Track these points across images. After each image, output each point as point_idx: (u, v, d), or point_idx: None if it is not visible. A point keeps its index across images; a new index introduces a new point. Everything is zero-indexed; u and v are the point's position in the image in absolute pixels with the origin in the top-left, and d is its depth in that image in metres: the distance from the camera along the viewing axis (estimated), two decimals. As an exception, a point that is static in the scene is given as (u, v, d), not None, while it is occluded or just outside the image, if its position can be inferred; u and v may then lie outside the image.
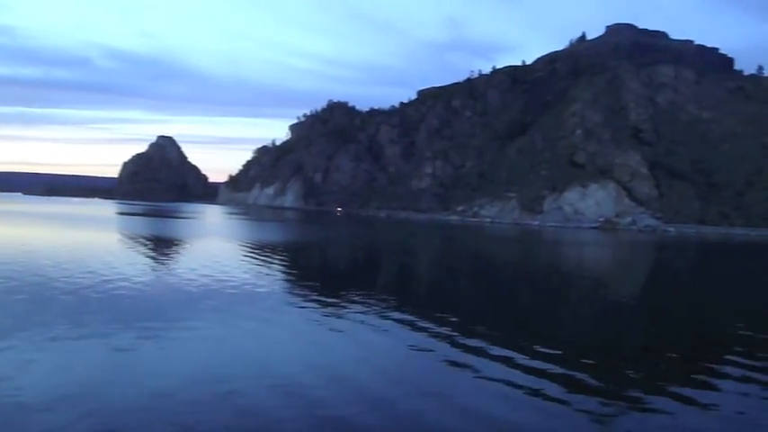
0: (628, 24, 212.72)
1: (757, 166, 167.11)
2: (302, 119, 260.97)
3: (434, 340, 16.52)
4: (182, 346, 15.60)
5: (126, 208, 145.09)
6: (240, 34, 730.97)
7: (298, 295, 23.76)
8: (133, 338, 15.83)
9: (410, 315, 19.87)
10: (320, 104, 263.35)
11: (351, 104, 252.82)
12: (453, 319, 19.35)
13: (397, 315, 19.77)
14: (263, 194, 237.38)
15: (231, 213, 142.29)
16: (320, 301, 22.47)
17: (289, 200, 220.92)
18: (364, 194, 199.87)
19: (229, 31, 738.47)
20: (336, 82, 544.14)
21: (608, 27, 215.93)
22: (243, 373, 13.11)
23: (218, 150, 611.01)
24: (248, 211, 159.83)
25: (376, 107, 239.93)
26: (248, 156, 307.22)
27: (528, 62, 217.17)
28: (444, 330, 17.62)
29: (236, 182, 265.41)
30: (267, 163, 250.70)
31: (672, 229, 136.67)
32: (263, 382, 12.49)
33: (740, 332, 19.26)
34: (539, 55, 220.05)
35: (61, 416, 10.36)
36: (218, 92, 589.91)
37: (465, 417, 10.60)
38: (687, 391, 12.14)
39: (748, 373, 13.54)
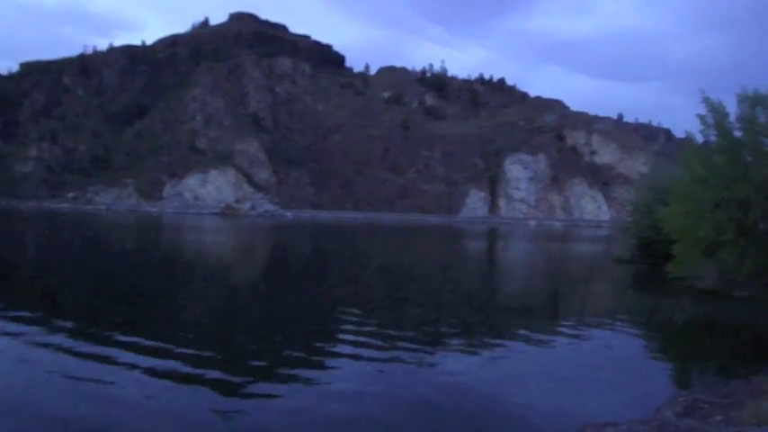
0: (250, 14, 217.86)
1: (363, 155, 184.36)
2: None
3: (35, 347, 13.22)
4: None
5: None
6: None
7: None
8: None
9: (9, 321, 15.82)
10: None
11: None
12: (58, 320, 15.97)
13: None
14: None
15: None
16: None
17: None
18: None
19: None
20: None
21: (231, 14, 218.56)
22: None
23: None
24: None
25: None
26: None
27: (148, 42, 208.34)
28: (50, 334, 14.38)
29: None
30: None
31: (289, 213, 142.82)
32: None
33: (352, 309, 19.15)
34: (160, 36, 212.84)
35: None
36: None
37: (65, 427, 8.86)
38: (305, 373, 12.03)
39: (357, 350, 13.80)
